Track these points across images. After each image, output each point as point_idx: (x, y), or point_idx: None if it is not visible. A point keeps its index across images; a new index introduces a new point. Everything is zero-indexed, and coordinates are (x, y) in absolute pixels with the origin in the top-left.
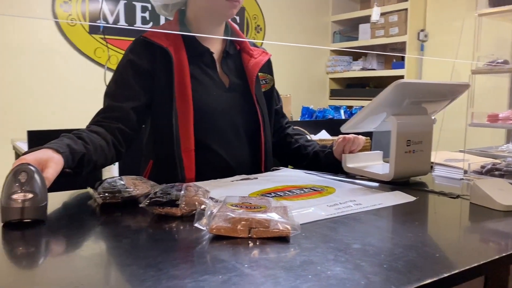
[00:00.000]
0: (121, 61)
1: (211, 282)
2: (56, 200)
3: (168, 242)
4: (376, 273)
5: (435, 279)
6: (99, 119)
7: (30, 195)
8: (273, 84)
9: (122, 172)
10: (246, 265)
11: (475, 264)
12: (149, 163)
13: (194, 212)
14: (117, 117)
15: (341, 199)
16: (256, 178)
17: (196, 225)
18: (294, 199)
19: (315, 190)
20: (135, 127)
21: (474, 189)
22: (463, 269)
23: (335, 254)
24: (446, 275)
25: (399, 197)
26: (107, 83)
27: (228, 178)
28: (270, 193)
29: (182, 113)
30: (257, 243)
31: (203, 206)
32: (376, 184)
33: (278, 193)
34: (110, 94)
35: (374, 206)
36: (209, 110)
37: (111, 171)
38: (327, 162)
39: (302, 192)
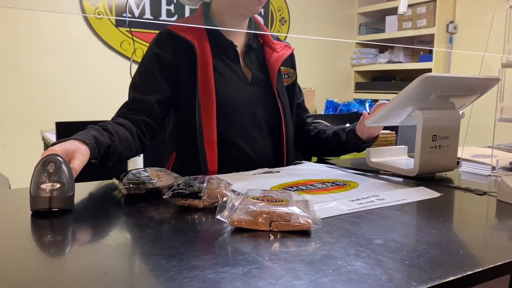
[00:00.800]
0: (145, 54)
1: (232, 274)
2: (82, 190)
3: (190, 233)
4: (397, 269)
5: (458, 276)
6: (124, 112)
7: (58, 185)
8: (296, 78)
9: (146, 164)
10: (266, 258)
11: (501, 263)
12: (172, 155)
13: (216, 204)
14: (142, 110)
15: (364, 194)
16: (279, 171)
17: (218, 217)
18: (316, 193)
19: (337, 184)
20: (159, 119)
21: (502, 185)
22: (487, 267)
23: (356, 249)
24: (469, 273)
25: (423, 193)
26: (131, 74)
27: (250, 172)
28: (292, 187)
29: (205, 106)
30: (278, 237)
31: (225, 199)
32: (400, 180)
33: (300, 187)
34: (135, 86)
35: (397, 201)
36: (231, 104)
37: (136, 163)
38: (349, 140)
39: (325, 186)
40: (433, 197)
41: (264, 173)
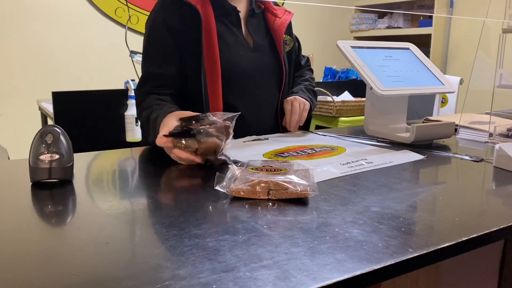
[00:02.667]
0: (151, 21)
1: (231, 242)
2: (81, 161)
3: (190, 203)
4: (394, 236)
5: (453, 242)
6: (148, 89)
7: (56, 156)
8: (293, 46)
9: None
10: (265, 226)
11: (495, 228)
12: None
13: (212, 152)
14: (166, 84)
15: (353, 158)
16: (267, 139)
17: (216, 187)
18: (307, 159)
19: (325, 149)
20: (181, 89)
21: (499, 152)
22: (482, 233)
23: (354, 217)
24: (464, 238)
25: (408, 156)
26: (127, 42)
27: (240, 139)
28: (283, 153)
29: (210, 73)
30: (276, 205)
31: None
32: (388, 145)
33: (291, 152)
34: (150, 59)
35: (384, 164)
36: (236, 70)
37: (134, 132)
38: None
39: (314, 151)
40: (429, 162)
41: (253, 140)
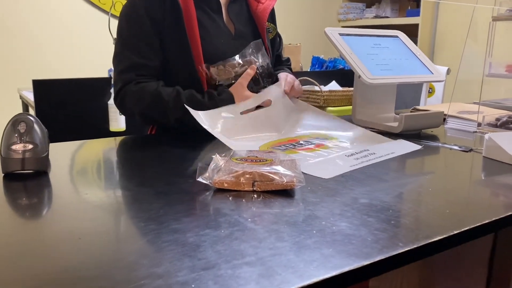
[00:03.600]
0: (131, 8)
1: (213, 236)
2: (58, 151)
3: (171, 195)
4: (383, 229)
5: (444, 236)
6: (136, 78)
7: (30, 146)
8: (276, 34)
9: (128, 124)
10: (249, 220)
11: (487, 221)
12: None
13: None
14: (152, 75)
15: (356, 149)
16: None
17: (199, 179)
18: (309, 151)
19: (321, 141)
20: (163, 78)
21: (488, 142)
22: (474, 226)
23: (341, 209)
24: (456, 232)
25: (408, 146)
26: (110, 29)
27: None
28: (280, 146)
29: (192, 62)
30: (261, 197)
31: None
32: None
33: (287, 145)
34: (133, 48)
35: (388, 155)
36: (217, 59)
37: (118, 121)
38: None
39: (311, 144)
40: (417, 152)
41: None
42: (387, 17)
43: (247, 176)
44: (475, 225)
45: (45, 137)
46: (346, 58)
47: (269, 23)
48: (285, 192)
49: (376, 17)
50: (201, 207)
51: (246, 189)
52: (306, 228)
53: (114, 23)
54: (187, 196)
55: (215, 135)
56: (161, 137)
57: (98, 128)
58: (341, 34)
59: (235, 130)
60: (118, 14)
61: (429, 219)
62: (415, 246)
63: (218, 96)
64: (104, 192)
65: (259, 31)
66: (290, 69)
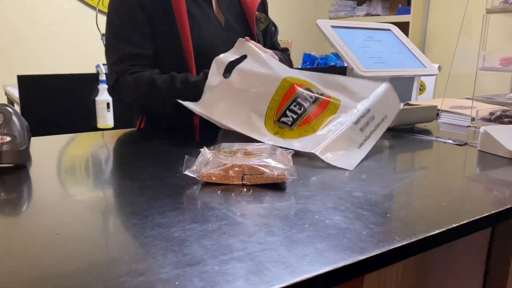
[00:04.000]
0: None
1: (200, 231)
2: (39, 145)
3: (156, 188)
4: (379, 223)
5: (442, 230)
6: (130, 68)
7: (8, 138)
8: (268, 24)
9: (116, 120)
10: (238, 214)
11: (486, 214)
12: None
13: None
14: (145, 64)
15: (358, 110)
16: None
17: (186, 172)
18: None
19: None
20: (155, 68)
21: (483, 135)
22: (473, 219)
23: (335, 202)
24: (454, 225)
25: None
26: (98, 24)
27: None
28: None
29: (181, 53)
30: (251, 191)
31: None
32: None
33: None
34: (124, 38)
35: (383, 121)
36: (208, 51)
37: (105, 118)
38: None
39: (319, 97)
40: (412, 145)
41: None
42: (378, 15)
43: (236, 169)
44: (474, 219)
45: (24, 130)
46: (338, 51)
47: (261, 13)
48: (276, 186)
49: (367, 15)
50: (188, 201)
51: (235, 182)
52: (298, 222)
53: (102, 18)
54: (173, 189)
55: (215, 122)
56: (148, 131)
57: (86, 125)
58: (333, 27)
59: (232, 108)
60: (105, 10)
61: (426, 213)
62: (412, 240)
63: None
64: (86, 186)
65: (249, 22)
66: (290, 60)
